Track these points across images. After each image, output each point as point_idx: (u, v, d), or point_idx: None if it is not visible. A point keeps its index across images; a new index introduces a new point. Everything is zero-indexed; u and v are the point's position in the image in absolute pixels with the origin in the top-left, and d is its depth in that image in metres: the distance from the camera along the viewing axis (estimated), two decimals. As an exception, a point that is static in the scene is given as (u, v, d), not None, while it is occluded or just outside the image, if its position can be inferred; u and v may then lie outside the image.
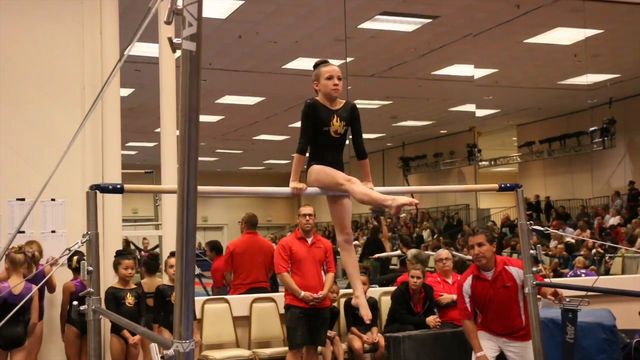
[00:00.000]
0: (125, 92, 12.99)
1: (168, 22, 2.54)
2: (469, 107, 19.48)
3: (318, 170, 4.80)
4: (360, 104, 18.96)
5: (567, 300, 7.34)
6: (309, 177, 4.86)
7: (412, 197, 4.55)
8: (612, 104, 19.95)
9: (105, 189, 4.41)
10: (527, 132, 23.71)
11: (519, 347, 6.37)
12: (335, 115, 4.84)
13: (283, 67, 15.91)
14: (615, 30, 14.57)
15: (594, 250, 15.98)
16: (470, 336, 6.61)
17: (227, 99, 18.74)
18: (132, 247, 13.67)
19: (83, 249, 4.35)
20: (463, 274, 6.84)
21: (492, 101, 20.28)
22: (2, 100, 7.90)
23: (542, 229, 6.32)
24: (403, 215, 21.54)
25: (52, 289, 7.43)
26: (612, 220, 19.65)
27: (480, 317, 6.61)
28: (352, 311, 8.76)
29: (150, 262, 8.68)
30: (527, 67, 17.48)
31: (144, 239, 16.39)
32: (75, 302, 6.93)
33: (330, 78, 4.85)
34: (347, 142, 4.98)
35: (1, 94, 7.90)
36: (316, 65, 5.07)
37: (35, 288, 6.28)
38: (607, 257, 15.49)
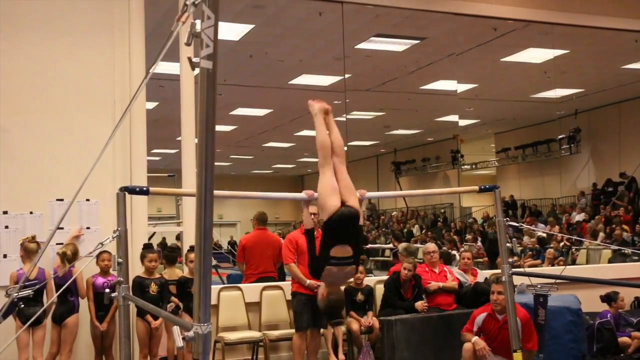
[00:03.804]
0: (151, 105, 12.99)
1: (188, 44, 2.53)
2: (453, 118, 19.45)
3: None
4: (357, 114, 19.03)
5: (539, 286, 7.36)
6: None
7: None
8: (577, 115, 19.96)
9: (133, 190, 4.42)
10: (504, 139, 23.71)
11: None
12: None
13: (289, 82, 15.93)
14: (579, 50, 14.61)
15: (562, 244, 15.97)
16: (464, 337, 6.66)
17: (240, 111, 18.74)
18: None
19: (114, 244, 4.34)
20: (480, 308, 6.88)
21: (472, 112, 20.28)
22: (44, 114, 7.93)
23: (516, 224, 6.33)
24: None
25: (82, 295, 7.40)
26: (578, 217, 19.63)
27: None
28: (350, 298, 8.76)
29: (170, 255, 8.69)
30: (504, 82, 17.49)
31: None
32: (107, 290, 7.00)
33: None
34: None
35: (44, 108, 7.95)
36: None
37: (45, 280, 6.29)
38: (573, 250, 15.48)
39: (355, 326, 8.54)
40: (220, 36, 2.52)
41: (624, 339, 8.41)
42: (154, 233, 11.11)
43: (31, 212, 7.82)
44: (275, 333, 8.57)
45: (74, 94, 8.04)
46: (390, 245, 13.19)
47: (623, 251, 12.73)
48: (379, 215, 27.91)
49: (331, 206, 4.53)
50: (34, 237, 7.35)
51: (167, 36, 3.04)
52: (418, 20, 12.13)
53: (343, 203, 4.57)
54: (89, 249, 7.01)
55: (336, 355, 8.33)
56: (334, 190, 4.62)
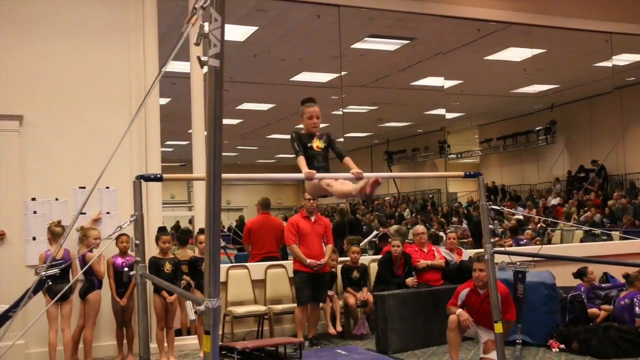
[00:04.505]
0: (164, 101, 12.94)
1: (197, 44, 2.54)
2: (440, 111, 19.44)
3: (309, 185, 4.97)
4: (352, 108, 18.99)
5: (518, 264, 7.39)
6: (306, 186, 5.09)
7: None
8: (553, 109, 19.93)
9: (148, 178, 4.43)
10: (487, 131, 23.68)
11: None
12: (314, 137, 5.05)
13: (290, 79, 15.88)
14: (555, 49, 14.59)
15: (539, 225, 15.99)
16: (449, 310, 6.65)
17: (245, 106, 18.69)
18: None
19: (131, 227, 4.35)
20: (464, 284, 6.85)
21: (458, 106, 20.25)
22: (67, 109, 7.95)
23: (498, 208, 6.35)
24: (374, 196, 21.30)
25: (99, 275, 7.43)
26: (554, 201, 19.64)
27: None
28: (347, 275, 8.80)
29: (182, 237, 8.73)
30: (486, 79, 17.45)
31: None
32: (126, 269, 7.05)
33: (310, 118, 5.02)
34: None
35: (67, 104, 7.96)
36: (302, 103, 5.18)
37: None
38: (549, 230, 15.50)
39: (351, 300, 8.59)
40: (227, 37, 2.52)
41: (593, 310, 8.46)
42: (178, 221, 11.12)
43: (57, 199, 7.84)
44: (278, 307, 8.61)
45: (93, 90, 8.05)
46: (375, 232, 13.21)
47: (593, 232, 12.76)
48: (373, 200, 27.92)
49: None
50: (59, 222, 7.40)
51: (178, 37, 3.04)
52: (408, 22, 12.12)
53: None
54: (109, 232, 7.05)
55: (334, 326, 8.37)
56: None
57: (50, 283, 6.13)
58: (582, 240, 13.27)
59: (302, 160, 4.90)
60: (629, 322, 7.98)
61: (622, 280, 8.85)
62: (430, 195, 25.68)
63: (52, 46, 7.96)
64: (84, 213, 7.56)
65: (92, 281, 7.34)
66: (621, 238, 11.05)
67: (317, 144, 5.03)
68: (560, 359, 7.04)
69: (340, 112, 16.99)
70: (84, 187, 7.79)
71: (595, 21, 11.73)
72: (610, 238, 12.10)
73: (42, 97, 7.86)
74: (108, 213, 8.00)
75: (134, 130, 7.92)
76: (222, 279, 8.29)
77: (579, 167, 20.24)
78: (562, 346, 7.40)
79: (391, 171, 25.17)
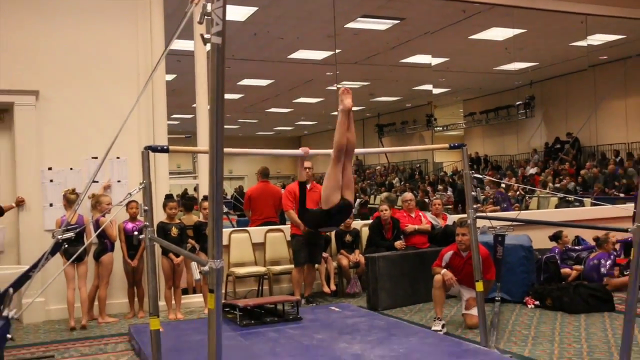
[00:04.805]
0: (170, 77, 12.87)
1: (200, 22, 2.53)
2: (428, 87, 19.42)
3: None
4: (346, 84, 18.87)
5: (498, 228, 7.43)
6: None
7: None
8: (532, 85, 19.93)
9: (155, 149, 4.42)
10: (470, 105, 23.64)
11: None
12: None
13: (288, 57, 15.80)
14: (535, 30, 14.51)
15: (517, 192, 16.05)
16: (434, 271, 6.69)
17: (246, 82, 18.61)
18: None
19: (140, 194, 4.36)
20: (448, 247, 6.89)
21: (444, 82, 20.22)
22: (79, 85, 7.89)
23: (480, 176, 6.35)
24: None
25: (112, 238, 7.44)
26: (532, 170, 19.70)
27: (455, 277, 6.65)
28: (340, 238, 8.83)
29: (187, 203, 8.72)
30: (471, 57, 17.36)
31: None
32: (136, 232, 7.05)
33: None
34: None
35: (79, 80, 7.90)
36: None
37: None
38: (527, 197, 15.57)
39: (344, 262, 8.64)
40: (228, 17, 2.50)
41: (565, 270, 8.54)
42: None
43: (71, 168, 7.83)
44: (277, 268, 8.64)
45: (104, 67, 7.99)
46: (358, 200, 13.36)
47: (567, 198, 12.81)
48: (365, 169, 27.95)
49: (333, 201, 4.86)
50: (74, 189, 7.42)
51: (182, 16, 3.02)
52: (398, 3, 12.04)
53: (342, 197, 4.87)
54: (120, 199, 7.04)
55: (328, 286, 8.43)
56: (337, 186, 4.86)
57: (66, 246, 6.14)
58: (557, 207, 13.33)
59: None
60: (597, 281, 8.07)
61: (592, 243, 8.92)
62: (418, 165, 25.75)
63: (64, 25, 7.88)
64: (97, 181, 7.55)
65: (105, 244, 7.37)
66: (592, 204, 11.09)
67: None
68: (535, 314, 7.11)
69: (335, 88, 16.93)
70: (95, 157, 7.77)
71: (572, 3, 11.64)
72: (582, 204, 12.16)
73: (56, 74, 7.80)
74: (119, 181, 7.99)
75: (143, 104, 7.88)
76: (225, 242, 8.34)
77: (555, 139, 20.28)
78: (537, 303, 7.47)
79: (381, 142, 25.19)
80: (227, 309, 6.99)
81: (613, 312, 7.04)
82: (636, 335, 5.78)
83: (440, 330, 6.36)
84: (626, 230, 4.24)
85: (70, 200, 7.26)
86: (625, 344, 4.18)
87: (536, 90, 20.21)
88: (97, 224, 7.07)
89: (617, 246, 8.79)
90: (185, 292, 8.19)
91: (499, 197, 14.98)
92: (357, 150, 5.25)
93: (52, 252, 5.38)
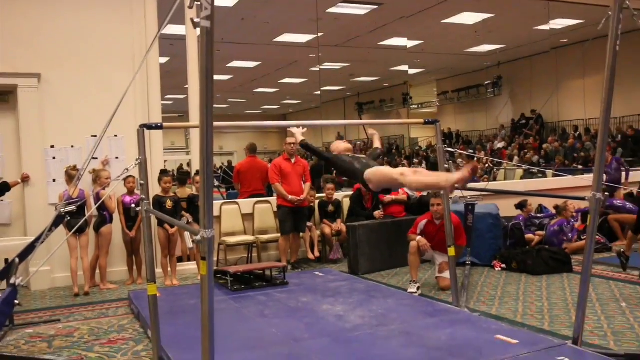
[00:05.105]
0: (163, 60, 12.69)
1: (190, 7, 2.50)
2: (404, 68, 19.32)
3: (374, 172, 4.16)
4: (328, 65, 18.80)
5: (468, 198, 7.47)
6: (369, 175, 4.17)
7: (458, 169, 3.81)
8: (500, 66, 19.93)
9: (150, 127, 4.38)
10: (444, 84, 23.64)
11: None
12: None
13: (274, 40, 15.65)
14: (503, 14, 14.52)
15: (486, 165, 16.13)
16: (410, 238, 6.72)
17: (235, 64, 18.42)
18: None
19: (137, 169, 4.33)
20: (422, 215, 6.92)
21: (419, 63, 20.15)
22: (78, 66, 7.79)
23: (452, 150, 6.36)
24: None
25: (111, 210, 7.40)
26: (499, 145, 19.79)
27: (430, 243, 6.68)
28: (323, 209, 8.85)
29: (181, 177, 8.68)
30: (444, 39, 17.29)
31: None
32: (133, 205, 7.05)
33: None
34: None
35: (77, 62, 7.79)
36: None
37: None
38: (495, 169, 15.66)
39: (327, 230, 8.67)
40: (217, 2, 2.48)
41: (529, 236, 8.62)
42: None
43: (72, 146, 7.75)
44: (265, 237, 8.67)
45: (100, 49, 7.87)
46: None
47: (531, 170, 12.90)
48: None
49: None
50: (75, 166, 7.36)
51: (174, 1, 2.99)
52: (376, -11, 11.99)
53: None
54: (118, 174, 7.01)
55: (312, 252, 8.47)
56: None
57: (68, 218, 6.13)
58: (522, 178, 13.43)
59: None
60: (558, 245, 8.17)
61: (553, 211, 9.01)
62: (395, 140, 25.75)
63: (64, 10, 7.75)
64: (96, 158, 7.50)
65: (104, 216, 7.34)
66: (554, 175, 11.19)
67: None
68: (501, 276, 7.19)
69: (317, 69, 16.82)
70: (95, 136, 7.69)
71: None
72: (545, 176, 12.27)
73: (56, 57, 7.68)
74: (117, 158, 7.93)
75: (138, 86, 7.80)
76: (216, 213, 8.34)
77: (521, 115, 20.36)
78: (504, 266, 7.55)
79: (361, 119, 25.10)
80: (218, 275, 7.00)
81: (571, 273, 7.15)
82: (591, 294, 5.89)
83: (416, 292, 6.42)
84: (583, 199, 4.29)
85: (71, 176, 7.21)
86: (581, 301, 4.26)
87: (503, 71, 20.23)
88: (97, 198, 7.04)
89: (574, 214, 8.90)
90: (180, 260, 8.19)
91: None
92: (338, 122, 5.22)
93: (55, 224, 5.37)
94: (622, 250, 7.13)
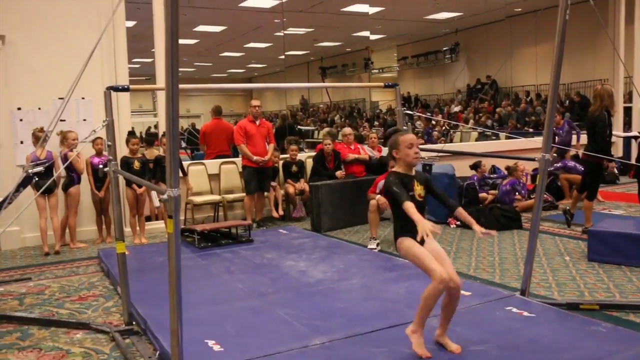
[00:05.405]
0: (130, 23, 12.35)
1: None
2: (365, 33, 19.23)
3: (408, 247, 3.33)
4: (292, 30, 18.56)
5: (426, 158, 7.53)
6: (400, 246, 3.39)
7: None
8: (457, 33, 19.95)
9: (116, 89, 4.30)
10: (404, 50, 23.60)
11: None
12: (415, 181, 3.44)
13: (239, 5, 15.32)
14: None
15: (443, 127, 16.28)
16: (370, 197, 6.74)
17: (201, 28, 18.02)
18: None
19: (104, 131, 4.23)
20: (381, 175, 6.90)
21: (380, 29, 20.03)
22: (44, 29, 7.51)
23: (411, 113, 6.39)
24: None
25: (79, 171, 7.24)
26: (456, 109, 19.94)
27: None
28: (287, 169, 8.84)
29: (149, 138, 8.55)
30: (404, 6, 17.16)
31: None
32: (101, 166, 6.92)
33: (411, 147, 3.40)
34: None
35: (42, 23, 7.50)
36: (391, 134, 3.71)
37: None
38: (451, 132, 15.82)
39: (291, 190, 8.67)
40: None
41: (483, 195, 8.76)
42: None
43: (39, 108, 7.53)
44: (231, 196, 8.64)
45: (66, 12, 7.59)
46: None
47: (485, 133, 13.07)
48: (309, 107, 27.80)
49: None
50: (42, 128, 7.11)
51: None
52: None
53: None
54: (85, 136, 6.85)
55: (277, 211, 8.48)
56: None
57: (37, 179, 6.00)
58: (476, 140, 13.60)
59: (411, 207, 3.16)
60: (509, 204, 8.33)
61: (505, 172, 9.16)
62: (356, 104, 25.75)
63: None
64: (64, 120, 7.28)
65: (72, 177, 7.19)
66: (507, 138, 11.34)
67: (418, 190, 3.44)
68: (456, 233, 7.32)
69: (282, 34, 16.57)
70: (62, 98, 7.44)
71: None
72: (498, 138, 12.43)
73: (21, 19, 7.38)
74: (84, 120, 7.73)
75: (105, 48, 7.57)
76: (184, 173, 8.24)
77: (476, 80, 20.49)
78: (458, 223, 7.66)
79: (324, 83, 24.99)
80: (186, 234, 6.98)
81: (521, 230, 7.31)
82: (538, 248, 6.04)
83: (375, 248, 6.50)
84: (533, 159, 4.37)
85: (38, 137, 7.00)
86: (529, 255, 4.37)
87: (461, 38, 20.27)
88: (65, 158, 6.88)
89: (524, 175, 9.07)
90: (148, 219, 8.12)
91: (429, 131, 15.20)
92: (301, 85, 5.17)
93: (23, 184, 5.25)
94: (567, 208, 7.31)
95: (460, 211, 3.54)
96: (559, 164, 9.15)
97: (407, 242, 3.35)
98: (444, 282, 3.18)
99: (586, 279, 5.07)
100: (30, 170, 5.24)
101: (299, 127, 18.23)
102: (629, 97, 13.88)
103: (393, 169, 3.49)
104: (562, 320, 3.87)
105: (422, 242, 3.31)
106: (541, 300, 4.35)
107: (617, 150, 11.96)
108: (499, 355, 3.31)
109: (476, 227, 3.31)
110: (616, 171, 11.09)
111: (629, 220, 7.06)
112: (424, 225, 3.03)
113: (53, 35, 7.52)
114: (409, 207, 3.14)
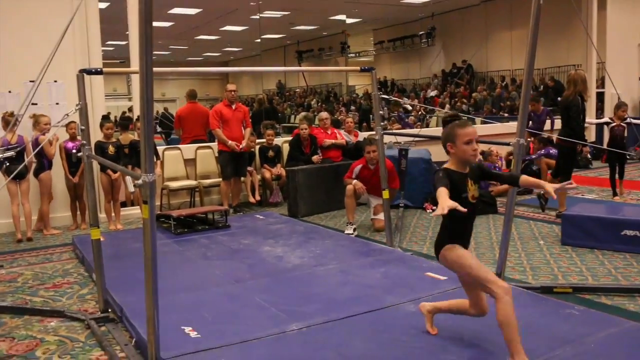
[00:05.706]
0: (103, 5, 12.14)
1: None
2: (342, 17, 19.17)
3: (458, 256, 3.06)
4: (268, 14, 18.39)
5: (402, 143, 7.55)
6: (446, 255, 3.10)
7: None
8: (433, 17, 19.95)
9: (90, 72, 4.22)
10: (380, 34, 23.55)
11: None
12: (468, 179, 3.06)
13: (214, -13, 15.20)
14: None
15: (420, 112, 16.32)
16: (346, 182, 6.73)
17: (176, 10, 17.76)
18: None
19: (77, 115, 4.15)
20: (358, 160, 6.90)
21: (357, 13, 19.96)
22: (14, 10, 7.31)
23: (387, 97, 6.38)
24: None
25: (50, 156, 7.09)
26: (432, 93, 20.02)
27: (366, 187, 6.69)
28: (264, 154, 8.79)
29: (124, 123, 8.41)
30: (381, -10, 17.20)
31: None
32: (74, 151, 6.80)
33: (469, 142, 3.00)
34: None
35: (14, 5, 7.30)
36: (448, 122, 3.21)
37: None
38: (427, 117, 15.87)
39: (267, 175, 8.64)
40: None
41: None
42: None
43: (9, 91, 7.36)
44: (207, 181, 8.58)
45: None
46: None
47: (461, 117, 13.11)
48: (286, 92, 27.69)
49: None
50: (12, 112, 6.94)
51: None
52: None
53: None
54: (58, 119, 6.72)
55: (254, 196, 8.44)
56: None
57: (7, 164, 5.88)
58: (452, 125, 13.64)
59: (444, 192, 2.73)
60: (484, 188, 8.39)
61: (480, 157, 9.22)
62: (333, 88, 25.70)
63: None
64: (35, 104, 7.12)
65: (42, 163, 7.05)
66: (482, 122, 11.41)
67: (472, 191, 3.07)
68: (432, 218, 7.36)
69: (258, 17, 16.40)
70: (32, 81, 7.29)
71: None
72: (474, 122, 12.48)
73: (-11, -1, 7.20)
74: (57, 104, 7.58)
75: (77, 31, 7.41)
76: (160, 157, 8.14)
77: (452, 65, 20.56)
78: (434, 208, 7.70)
79: (301, 67, 24.89)
80: (162, 219, 6.91)
81: (496, 214, 7.38)
82: (513, 233, 6.11)
83: (352, 233, 6.50)
84: (508, 144, 4.40)
85: (8, 122, 6.83)
86: (504, 239, 4.42)
87: (437, 22, 20.27)
88: (36, 143, 6.74)
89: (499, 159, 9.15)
90: (124, 205, 8.02)
91: (402, 117, 15.23)
92: (278, 69, 5.12)
93: (-6, 170, 5.14)
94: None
95: (525, 178, 3.22)
96: (542, 151, 9.21)
97: (457, 251, 3.01)
98: (509, 291, 2.82)
99: (560, 263, 5.14)
100: (0, 155, 5.13)
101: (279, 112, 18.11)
102: (601, 83, 14.05)
103: (445, 165, 3.06)
104: (536, 304, 3.92)
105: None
106: (516, 284, 4.39)
107: (590, 136, 12.12)
108: (473, 338, 3.34)
109: (548, 187, 2.95)
110: (589, 156, 11.24)
111: (601, 205, 7.18)
112: (445, 201, 2.61)
113: (23, 16, 7.34)
114: (442, 192, 2.70)
